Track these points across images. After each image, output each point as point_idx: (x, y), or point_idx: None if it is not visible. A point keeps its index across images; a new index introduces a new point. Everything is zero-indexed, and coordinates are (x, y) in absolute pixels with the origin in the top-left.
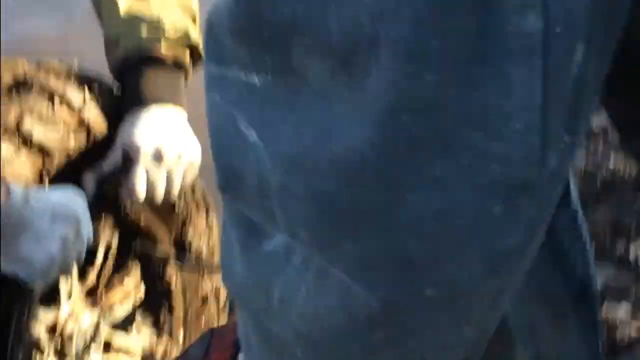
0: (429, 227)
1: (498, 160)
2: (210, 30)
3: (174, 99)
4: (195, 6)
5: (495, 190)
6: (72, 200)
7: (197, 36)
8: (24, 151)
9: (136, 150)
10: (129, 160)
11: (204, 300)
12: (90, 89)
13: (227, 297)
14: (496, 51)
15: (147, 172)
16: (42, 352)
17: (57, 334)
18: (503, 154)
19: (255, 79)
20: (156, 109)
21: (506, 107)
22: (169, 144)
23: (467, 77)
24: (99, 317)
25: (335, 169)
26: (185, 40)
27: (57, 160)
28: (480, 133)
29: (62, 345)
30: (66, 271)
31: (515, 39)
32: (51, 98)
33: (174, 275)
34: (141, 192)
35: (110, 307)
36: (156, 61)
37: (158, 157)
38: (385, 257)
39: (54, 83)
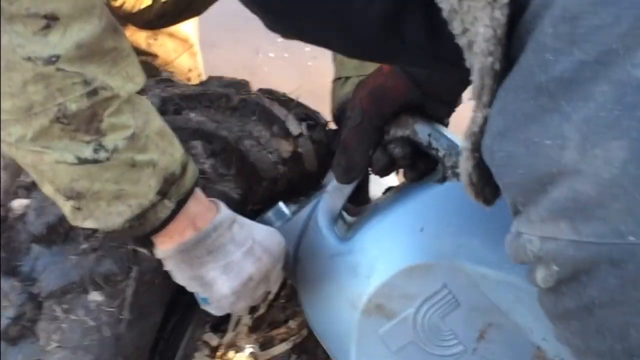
0: None
1: None
2: None
3: None
4: None
5: None
6: (273, 243)
7: None
8: (236, 171)
9: None
10: None
11: None
12: (307, 123)
13: None
14: None
15: None
16: None
17: (216, 359)
18: None
19: None
20: None
21: None
22: None
23: None
24: (258, 351)
25: None
26: None
27: (265, 185)
28: None
29: None
30: (242, 310)
31: None
32: (272, 124)
33: None
34: None
35: (271, 344)
36: None
37: None
38: None
39: (277, 110)
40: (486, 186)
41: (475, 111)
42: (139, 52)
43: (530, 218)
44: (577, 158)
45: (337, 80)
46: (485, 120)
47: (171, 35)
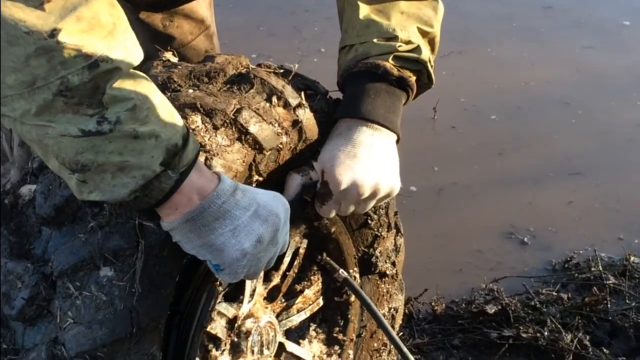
0: None
1: None
2: None
3: (389, 122)
4: (437, 27)
5: None
6: (277, 205)
7: (427, 57)
8: (237, 143)
9: (335, 186)
10: (327, 188)
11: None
12: (305, 93)
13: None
14: None
15: (340, 203)
16: (218, 344)
17: (234, 329)
18: None
19: None
20: (367, 134)
21: None
22: (367, 185)
23: None
24: (276, 321)
25: None
26: (413, 60)
27: (267, 156)
28: None
29: (238, 342)
30: (255, 273)
31: None
32: (270, 95)
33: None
34: (329, 217)
35: (288, 314)
36: (381, 76)
37: (354, 196)
38: None
39: (274, 81)
40: None
41: None
42: (155, 34)
43: None
44: None
45: (341, 49)
46: None
47: (187, 16)
